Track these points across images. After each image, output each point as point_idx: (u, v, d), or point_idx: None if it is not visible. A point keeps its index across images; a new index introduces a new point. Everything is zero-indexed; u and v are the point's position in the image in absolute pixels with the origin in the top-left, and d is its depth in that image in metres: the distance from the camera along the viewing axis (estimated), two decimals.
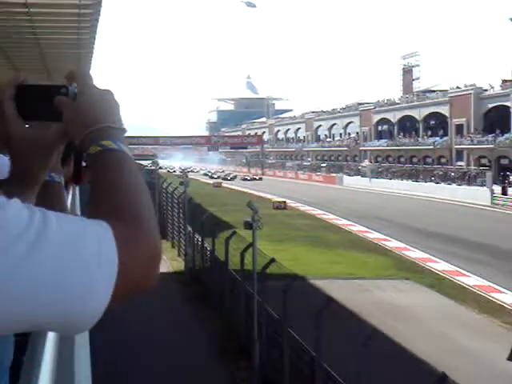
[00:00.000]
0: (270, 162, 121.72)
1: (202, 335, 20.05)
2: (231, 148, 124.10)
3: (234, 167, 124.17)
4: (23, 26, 22.44)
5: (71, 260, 1.11)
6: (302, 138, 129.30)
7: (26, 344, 1.70)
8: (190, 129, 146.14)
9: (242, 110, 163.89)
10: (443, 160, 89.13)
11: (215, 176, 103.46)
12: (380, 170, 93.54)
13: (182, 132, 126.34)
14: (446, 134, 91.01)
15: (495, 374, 15.09)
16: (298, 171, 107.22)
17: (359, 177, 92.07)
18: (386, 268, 33.57)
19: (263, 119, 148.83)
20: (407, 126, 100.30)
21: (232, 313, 20.23)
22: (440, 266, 34.82)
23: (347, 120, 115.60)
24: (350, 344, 12.83)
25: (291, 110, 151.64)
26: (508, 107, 79.43)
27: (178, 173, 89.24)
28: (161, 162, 61.43)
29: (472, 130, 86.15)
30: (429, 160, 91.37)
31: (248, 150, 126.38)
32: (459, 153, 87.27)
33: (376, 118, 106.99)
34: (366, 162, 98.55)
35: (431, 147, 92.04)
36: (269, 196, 69.74)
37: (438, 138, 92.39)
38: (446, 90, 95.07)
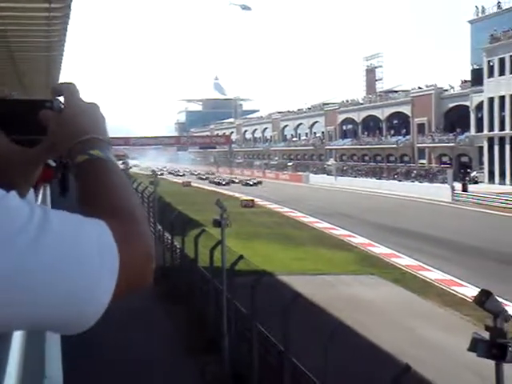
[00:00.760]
0: (237, 161, 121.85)
1: (171, 331, 20.03)
2: (200, 148, 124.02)
3: (202, 167, 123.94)
4: None
5: (75, 251, 1.11)
6: (268, 137, 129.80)
7: None
8: (160, 129, 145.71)
9: (210, 111, 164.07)
10: (406, 158, 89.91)
11: (180, 174, 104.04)
12: (345, 168, 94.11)
13: (152, 132, 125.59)
14: (408, 133, 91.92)
15: (457, 364, 15.23)
16: (266, 170, 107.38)
17: (325, 175, 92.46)
18: (351, 263, 33.74)
19: (231, 120, 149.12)
20: (371, 125, 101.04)
21: (201, 309, 20.24)
22: (403, 261, 35.09)
23: (313, 120, 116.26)
24: (317, 337, 12.90)
25: (258, 111, 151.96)
26: (467, 107, 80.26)
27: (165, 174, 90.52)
28: (131, 162, 61.53)
29: (433, 129, 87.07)
30: (392, 158, 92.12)
31: (216, 150, 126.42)
32: (421, 151, 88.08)
33: (341, 117, 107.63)
34: (332, 161, 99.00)
35: (394, 146, 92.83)
36: (237, 195, 69.85)
37: (400, 137, 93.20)
38: (408, 91, 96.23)
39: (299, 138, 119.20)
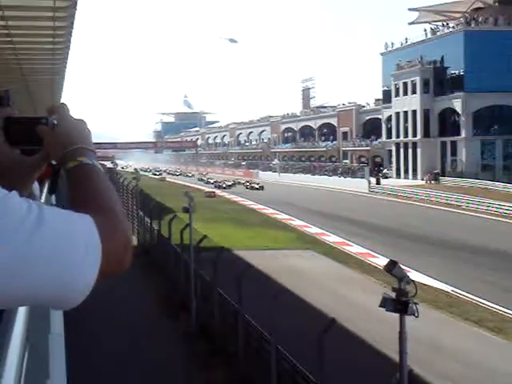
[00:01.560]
0: (202, 161, 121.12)
1: (150, 295, 19.98)
2: (172, 151, 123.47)
3: (174, 165, 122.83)
4: None
5: (65, 242, 1.11)
6: (226, 142, 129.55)
7: None
8: (141, 136, 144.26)
9: (180, 122, 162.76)
10: (333, 158, 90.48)
11: (157, 173, 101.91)
12: (286, 166, 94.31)
13: (135, 138, 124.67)
14: (335, 139, 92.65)
15: (371, 317, 15.37)
16: (224, 168, 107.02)
17: (271, 172, 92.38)
18: (291, 241, 33.83)
19: (197, 128, 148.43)
20: (306, 133, 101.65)
21: (174, 277, 20.18)
22: (331, 238, 35.26)
23: (261, 129, 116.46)
24: (264, 298, 12.94)
25: (218, 122, 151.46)
26: (380, 119, 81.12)
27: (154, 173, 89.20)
28: (118, 162, 61.22)
29: (354, 136, 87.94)
30: (323, 159, 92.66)
31: (186, 153, 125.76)
32: (345, 153, 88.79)
33: (283, 127, 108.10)
34: (276, 161, 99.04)
35: (324, 149, 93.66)
36: (201, 187, 69.65)
37: (329, 142, 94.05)
38: (335, 106, 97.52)
39: (250, 143, 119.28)
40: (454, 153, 69.31)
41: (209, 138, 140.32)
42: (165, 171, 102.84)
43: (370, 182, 67.12)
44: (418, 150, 72.20)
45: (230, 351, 13.83)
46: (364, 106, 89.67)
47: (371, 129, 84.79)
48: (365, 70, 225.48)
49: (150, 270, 23.06)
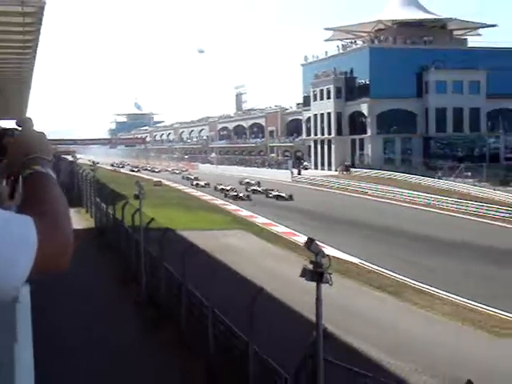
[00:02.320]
0: (151, 155, 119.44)
1: (105, 270, 19.70)
2: (125, 146, 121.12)
3: (127, 159, 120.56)
4: None
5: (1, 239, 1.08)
6: (171, 139, 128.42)
7: None
8: (98, 133, 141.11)
9: (131, 122, 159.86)
10: (262, 153, 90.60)
11: (115, 164, 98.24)
12: (222, 160, 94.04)
13: (93, 135, 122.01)
14: (263, 137, 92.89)
15: (294, 286, 15.55)
16: (170, 161, 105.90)
17: (209, 164, 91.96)
18: (227, 223, 33.87)
19: (146, 127, 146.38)
20: (239, 131, 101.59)
21: (126, 255, 19.94)
22: (260, 220, 35.48)
23: (201, 127, 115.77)
24: (204, 272, 12.93)
25: (164, 121, 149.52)
26: (300, 120, 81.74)
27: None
28: (79, 156, 59.81)
29: (279, 134, 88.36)
30: (253, 153, 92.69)
31: (136, 148, 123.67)
32: (272, 148, 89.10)
33: (219, 126, 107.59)
34: (213, 155, 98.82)
35: (254, 145, 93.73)
36: (149, 177, 68.79)
37: (258, 139, 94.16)
38: (263, 109, 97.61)
39: (192, 139, 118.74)
40: (361, 148, 70.46)
41: (156, 135, 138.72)
42: (136, 167, 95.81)
43: (292, 173, 67.70)
44: (332, 146, 73.13)
45: (174, 317, 13.77)
46: (287, 109, 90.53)
47: (293, 128, 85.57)
48: (288, 79, 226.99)
49: (105, 248, 22.73)
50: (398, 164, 65.29)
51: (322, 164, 74.85)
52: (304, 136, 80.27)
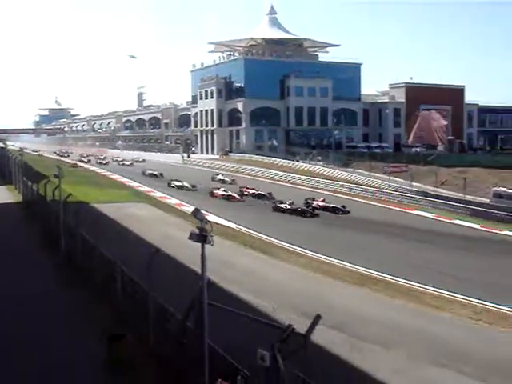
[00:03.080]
0: (69, 142, 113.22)
1: (32, 235, 18.85)
2: (48, 135, 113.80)
3: (49, 146, 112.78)
4: None
5: None
6: (85, 129, 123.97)
7: None
8: (26, 125, 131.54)
9: (53, 115, 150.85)
10: (159, 141, 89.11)
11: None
12: (127, 146, 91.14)
13: (21, 126, 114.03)
14: (160, 128, 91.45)
15: (183, 245, 15.75)
16: (84, 147, 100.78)
17: (116, 150, 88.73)
18: (130, 196, 33.32)
19: (64, 119, 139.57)
20: (140, 123, 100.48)
21: (49, 223, 19.02)
22: (157, 194, 35.22)
23: (109, 120, 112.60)
24: (112, 236, 12.71)
25: (79, 115, 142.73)
26: (189, 114, 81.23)
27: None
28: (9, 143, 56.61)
29: (173, 126, 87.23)
30: (152, 141, 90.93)
31: (56, 136, 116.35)
32: (167, 137, 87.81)
33: (124, 119, 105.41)
34: (119, 142, 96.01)
35: (153, 134, 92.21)
36: (68, 160, 65.55)
37: (156, 130, 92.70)
38: (160, 105, 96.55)
39: (102, 130, 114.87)
40: (238, 137, 71.39)
41: (73, 126, 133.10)
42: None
43: (183, 157, 67.24)
44: (215, 136, 73.40)
45: (90, 275, 13.42)
46: (179, 106, 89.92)
47: (184, 121, 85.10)
48: (180, 81, 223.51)
49: (30, 219, 21.62)
50: (265, 150, 66.84)
51: (207, 150, 74.91)
52: (192, 127, 79.88)
